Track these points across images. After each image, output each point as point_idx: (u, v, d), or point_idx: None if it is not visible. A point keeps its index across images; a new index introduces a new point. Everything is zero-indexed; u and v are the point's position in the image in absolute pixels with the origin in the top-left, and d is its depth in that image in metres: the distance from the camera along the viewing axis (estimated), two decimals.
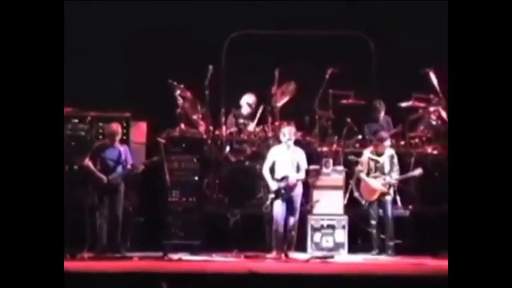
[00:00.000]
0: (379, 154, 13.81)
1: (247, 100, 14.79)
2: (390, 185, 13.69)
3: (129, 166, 13.19)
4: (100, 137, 13.89)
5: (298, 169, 13.27)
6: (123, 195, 13.18)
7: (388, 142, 13.82)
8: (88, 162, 13.07)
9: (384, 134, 14.01)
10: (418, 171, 13.79)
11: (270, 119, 14.58)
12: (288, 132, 13.36)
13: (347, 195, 13.96)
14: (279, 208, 13.21)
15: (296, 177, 13.18)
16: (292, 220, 13.26)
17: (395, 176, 13.70)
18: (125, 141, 13.75)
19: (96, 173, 13.03)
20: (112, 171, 13.09)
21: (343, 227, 13.66)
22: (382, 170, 13.74)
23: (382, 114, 15.02)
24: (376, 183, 13.69)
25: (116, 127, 13.34)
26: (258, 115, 14.66)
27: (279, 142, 13.59)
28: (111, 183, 13.04)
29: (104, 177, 13.00)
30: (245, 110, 14.79)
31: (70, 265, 11.67)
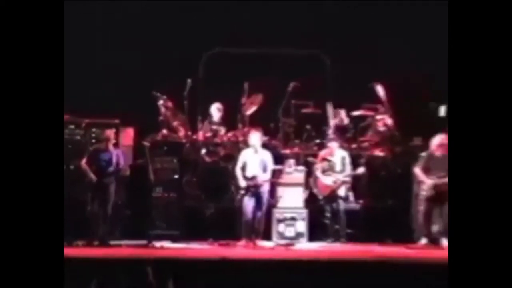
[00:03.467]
0: (333, 156, 13.87)
1: (216, 106, 14.73)
2: (342, 182, 13.75)
3: (121, 167, 13.19)
4: (93, 140, 13.85)
5: (265, 169, 13.33)
6: (114, 192, 13.17)
7: (336, 144, 13.86)
8: (84, 163, 13.05)
9: (333, 137, 14.07)
10: (361, 170, 13.84)
11: (240, 126, 14.61)
12: (255, 138, 13.43)
13: (307, 191, 13.99)
14: (248, 203, 13.24)
15: (263, 177, 13.23)
16: (259, 213, 13.28)
17: (345, 174, 13.76)
18: (115, 144, 13.76)
19: (90, 174, 13.01)
20: (105, 172, 13.06)
21: (303, 219, 13.63)
22: (334, 169, 13.81)
23: (337, 120, 15.00)
24: (329, 180, 13.76)
25: (110, 133, 13.32)
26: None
27: (248, 145, 13.64)
28: (103, 182, 13.04)
29: (95, 178, 12.97)
30: (216, 116, 14.76)
31: (66, 251, 11.73)
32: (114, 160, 13.10)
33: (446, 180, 13.02)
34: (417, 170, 13.30)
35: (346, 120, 14.95)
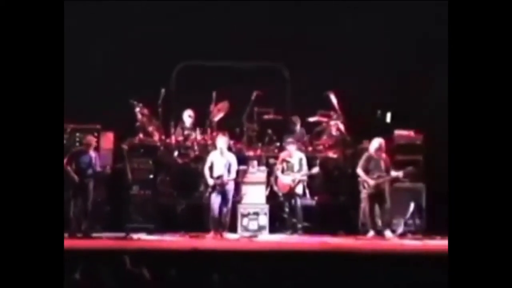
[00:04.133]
0: (291, 157, 13.93)
1: (188, 113, 14.74)
2: (299, 181, 13.81)
3: (98, 169, 13.15)
4: (77, 144, 13.82)
5: (229, 170, 13.36)
6: (92, 190, 13.14)
7: (294, 147, 13.91)
8: (66, 164, 13.01)
9: (290, 140, 14.11)
10: (315, 170, 13.92)
11: (209, 130, 14.63)
12: (222, 141, 13.47)
13: (268, 189, 14.05)
14: (215, 200, 13.30)
15: (228, 177, 13.28)
16: (225, 209, 13.35)
17: (302, 173, 13.82)
18: (96, 147, 13.73)
19: (71, 174, 12.98)
20: (84, 172, 13.05)
21: (265, 213, 13.73)
22: (292, 169, 13.87)
23: (298, 126, 15.04)
24: (288, 179, 13.81)
25: (91, 138, 13.33)
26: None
27: (216, 148, 13.66)
28: (83, 182, 13.00)
29: (76, 177, 12.96)
30: (188, 122, 14.76)
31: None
32: (92, 162, 13.08)
33: (385, 179, 13.19)
34: (359, 171, 13.42)
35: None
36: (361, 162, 13.49)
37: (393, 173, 13.36)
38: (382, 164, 13.38)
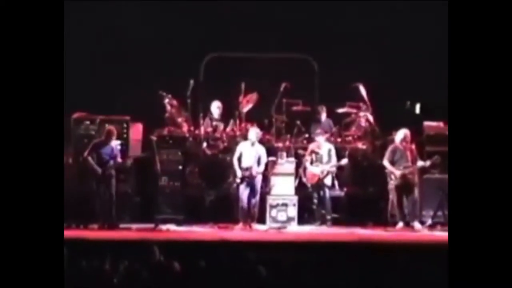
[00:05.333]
0: (320, 148, 13.88)
1: (216, 105, 14.74)
2: (328, 172, 13.76)
3: (119, 160, 13.16)
4: (104, 135, 13.85)
5: (259, 162, 13.34)
6: (115, 181, 13.14)
7: (323, 138, 13.86)
8: (86, 155, 13.04)
9: (318, 131, 14.08)
10: (344, 161, 13.87)
11: (238, 122, 14.62)
12: (254, 133, 13.46)
13: (297, 180, 14.00)
14: (243, 191, 13.30)
15: (257, 170, 13.26)
16: (254, 200, 13.33)
17: (330, 165, 13.77)
18: (125, 138, 13.76)
19: (93, 165, 13.01)
20: (106, 163, 13.05)
21: (294, 205, 13.64)
22: (321, 161, 13.82)
23: (323, 115, 15.01)
24: (317, 170, 13.77)
25: (112, 129, 13.31)
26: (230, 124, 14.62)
27: (246, 139, 13.65)
28: (105, 173, 13.02)
29: (99, 169, 12.99)
30: (216, 113, 14.77)
31: (81, 233, 11.75)
32: (114, 153, 13.09)
33: (411, 169, 13.12)
34: (386, 162, 13.37)
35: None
36: (386, 154, 13.43)
37: (419, 163, 13.27)
38: (408, 155, 13.30)
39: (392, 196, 13.42)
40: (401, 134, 13.37)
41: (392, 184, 13.37)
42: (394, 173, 13.28)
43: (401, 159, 13.32)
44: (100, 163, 13.03)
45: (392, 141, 13.85)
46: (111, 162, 13.08)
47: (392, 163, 13.33)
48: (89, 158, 13.02)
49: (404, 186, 13.28)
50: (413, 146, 13.44)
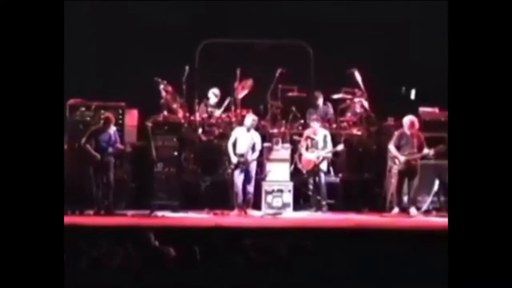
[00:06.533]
0: (316, 134, 13.85)
1: (213, 91, 14.72)
2: (324, 158, 13.73)
3: (118, 146, 13.11)
4: (102, 121, 13.80)
5: (253, 148, 13.31)
6: (113, 168, 13.10)
7: (318, 124, 13.83)
8: (84, 142, 13.00)
9: (314, 117, 14.05)
10: (340, 147, 13.84)
11: (233, 108, 14.58)
12: (250, 119, 13.43)
13: (292, 166, 13.98)
14: (238, 177, 13.27)
15: (252, 157, 13.24)
16: (249, 186, 13.31)
17: (326, 151, 13.75)
18: (120, 124, 13.72)
19: (91, 152, 12.96)
20: (104, 150, 13.01)
21: (289, 191, 13.62)
22: (317, 147, 13.79)
23: (320, 101, 14.95)
24: (313, 156, 13.73)
25: (110, 116, 13.26)
26: (225, 104, 14.62)
27: (242, 125, 13.61)
28: (103, 160, 12.98)
29: (97, 155, 12.94)
30: (213, 100, 14.73)
31: (77, 220, 11.72)
32: (112, 140, 13.05)
33: (415, 156, 13.12)
34: (391, 147, 13.35)
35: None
36: (393, 138, 13.42)
37: (425, 151, 13.23)
38: (415, 142, 13.27)
39: (394, 181, 13.41)
40: (407, 120, 13.34)
41: (395, 168, 13.36)
42: (398, 158, 13.26)
43: (406, 145, 13.29)
44: (99, 150, 12.98)
45: (388, 127, 13.82)
46: (110, 149, 13.03)
47: (398, 148, 13.32)
48: (87, 146, 12.96)
49: (407, 172, 13.26)
50: (421, 133, 13.41)
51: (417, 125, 13.35)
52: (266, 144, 13.84)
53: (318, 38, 15.10)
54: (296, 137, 14.25)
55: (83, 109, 13.95)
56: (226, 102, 14.57)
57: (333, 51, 14.91)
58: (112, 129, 13.15)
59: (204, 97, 14.71)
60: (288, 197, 13.60)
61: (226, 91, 14.66)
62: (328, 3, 15.37)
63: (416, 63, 15.01)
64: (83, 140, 13.00)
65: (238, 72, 14.47)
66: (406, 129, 13.34)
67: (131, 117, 14.34)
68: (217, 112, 14.52)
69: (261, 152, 13.53)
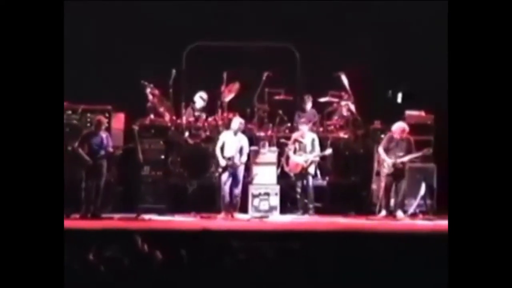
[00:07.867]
0: (303, 137, 13.86)
1: (200, 95, 14.71)
2: (311, 162, 13.74)
3: (110, 149, 13.10)
4: (88, 124, 13.74)
5: (241, 152, 13.31)
6: (105, 172, 13.08)
7: (306, 128, 13.85)
8: (77, 146, 12.96)
9: (303, 120, 14.07)
10: (328, 151, 13.86)
11: (219, 111, 14.57)
12: (237, 122, 13.43)
13: (279, 170, 13.98)
14: (225, 180, 13.26)
15: (239, 160, 13.24)
16: (236, 189, 13.30)
17: (314, 154, 13.76)
18: (107, 128, 13.69)
19: (83, 156, 12.91)
20: (96, 153, 12.97)
21: (276, 194, 13.63)
22: (305, 150, 13.79)
23: (309, 105, 14.95)
24: (300, 160, 13.74)
25: (102, 119, 13.26)
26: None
27: (229, 128, 13.60)
28: (95, 163, 12.94)
29: (89, 159, 12.90)
30: (199, 104, 14.72)
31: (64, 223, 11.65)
32: (104, 143, 13.02)
33: (403, 160, 13.16)
34: (381, 150, 13.40)
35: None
36: (383, 141, 13.47)
37: (413, 155, 13.27)
38: (404, 145, 13.31)
39: (381, 184, 13.45)
40: (398, 125, 13.39)
41: (384, 172, 13.40)
42: (387, 161, 13.29)
43: (395, 148, 13.34)
44: (91, 153, 12.94)
45: (375, 130, 13.88)
46: (102, 151, 12.99)
47: (387, 151, 13.36)
48: (80, 150, 12.92)
49: (394, 176, 13.31)
50: (411, 138, 13.44)
51: (406, 130, 13.41)
52: (253, 148, 13.84)
53: (304, 42, 15.11)
54: (283, 140, 14.25)
55: (69, 112, 13.92)
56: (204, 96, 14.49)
57: (320, 55, 14.91)
58: (104, 132, 13.13)
59: (190, 101, 14.69)
60: (275, 200, 13.60)
61: (213, 95, 14.64)
62: (315, 5, 15.37)
63: (403, 66, 14.99)
64: (76, 144, 12.95)
65: (225, 75, 14.47)
66: (394, 134, 13.40)
67: (118, 121, 14.32)
68: (203, 116, 14.48)
69: (248, 155, 13.53)
